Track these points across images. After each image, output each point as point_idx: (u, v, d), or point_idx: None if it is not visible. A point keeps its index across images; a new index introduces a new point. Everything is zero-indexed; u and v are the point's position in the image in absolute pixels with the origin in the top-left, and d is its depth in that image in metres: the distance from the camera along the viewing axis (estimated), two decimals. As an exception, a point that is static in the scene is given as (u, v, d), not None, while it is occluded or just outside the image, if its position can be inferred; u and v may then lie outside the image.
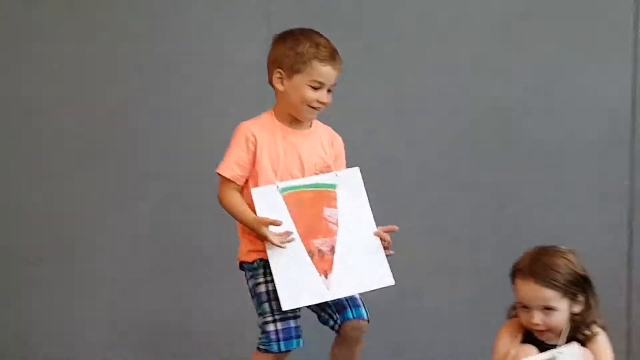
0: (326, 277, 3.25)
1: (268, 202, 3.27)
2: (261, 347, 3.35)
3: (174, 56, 4.49)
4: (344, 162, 3.49)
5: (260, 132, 3.38)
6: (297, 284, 3.23)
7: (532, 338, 3.19)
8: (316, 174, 3.37)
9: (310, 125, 3.46)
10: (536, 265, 3.13)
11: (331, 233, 3.31)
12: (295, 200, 3.31)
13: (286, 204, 3.29)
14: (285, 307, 3.20)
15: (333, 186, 3.35)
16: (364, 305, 3.37)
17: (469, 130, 4.41)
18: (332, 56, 3.38)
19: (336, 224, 3.32)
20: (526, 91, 4.39)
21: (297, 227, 3.28)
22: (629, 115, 4.31)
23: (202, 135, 4.46)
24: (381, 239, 3.31)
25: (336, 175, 3.38)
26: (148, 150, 4.48)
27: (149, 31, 4.48)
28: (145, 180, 4.47)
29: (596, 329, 3.18)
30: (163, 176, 4.47)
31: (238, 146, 3.36)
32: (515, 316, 3.26)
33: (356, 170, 3.39)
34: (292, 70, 3.38)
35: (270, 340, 3.32)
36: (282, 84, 3.40)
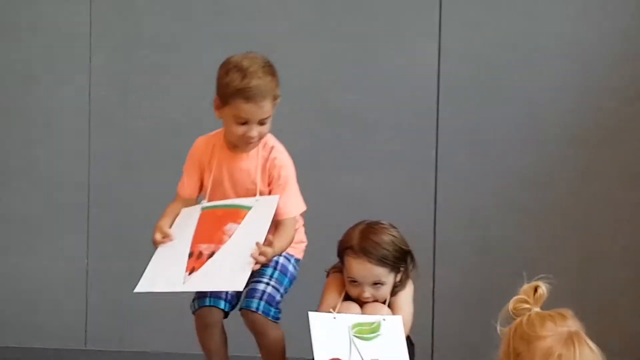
0: (189, 274, 3.19)
1: (187, 217, 3.33)
2: None
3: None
4: (280, 186, 3.36)
5: (204, 154, 3.38)
6: (160, 274, 3.23)
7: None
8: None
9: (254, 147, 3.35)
10: (367, 243, 3.30)
11: (220, 242, 3.24)
12: (209, 214, 3.31)
13: (199, 217, 3.31)
14: (137, 289, 3.22)
15: (248, 207, 3.29)
16: (265, 300, 3.32)
17: (282, 104, 4.51)
18: (257, 93, 3.21)
19: (229, 237, 3.25)
20: (340, 68, 4.52)
21: (195, 233, 3.29)
22: (435, 91, 4.45)
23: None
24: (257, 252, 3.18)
25: (256, 200, 3.31)
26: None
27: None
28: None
29: (405, 282, 3.39)
30: None
31: (187, 164, 3.44)
32: (335, 272, 3.43)
33: (275, 199, 3.32)
34: (222, 101, 3.29)
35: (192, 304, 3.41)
36: (219, 110, 3.30)
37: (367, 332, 3.22)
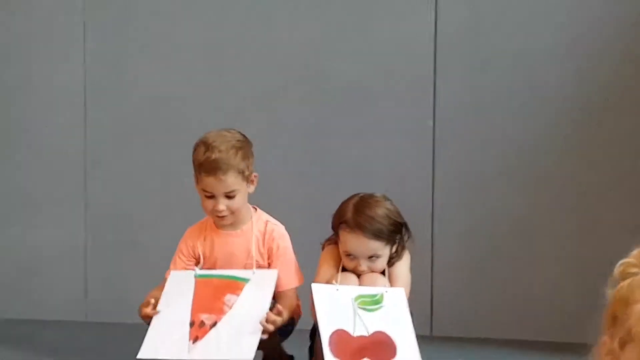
0: (193, 343, 3.20)
1: (179, 283, 3.33)
2: None
3: None
4: (280, 257, 3.41)
5: (197, 240, 3.44)
6: (163, 341, 3.21)
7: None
8: None
9: (248, 222, 3.41)
10: (361, 218, 3.31)
11: (221, 313, 3.25)
12: (204, 283, 3.33)
13: (195, 286, 3.32)
14: (140, 355, 3.20)
15: (246, 280, 3.31)
16: None
17: (280, 74, 4.54)
18: (216, 167, 3.27)
19: (230, 308, 3.27)
20: (336, 37, 4.48)
21: (193, 301, 3.28)
22: (432, 57, 4.40)
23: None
24: (266, 321, 3.21)
25: (253, 272, 3.34)
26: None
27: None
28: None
29: (402, 253, 3.41)
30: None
31: (179, 252, 3.45)
32: (330, 244, 3.45)
33: (274, 273, 3.34)
34: (195, 177, 3.36)
35: None
36: (196, 185, 3.37)
37: (370, 304, 3.25)
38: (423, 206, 4.43)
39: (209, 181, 3.31)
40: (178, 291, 3.34)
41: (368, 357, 3.17)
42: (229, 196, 3.33)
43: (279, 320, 3.24)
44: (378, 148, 4.50)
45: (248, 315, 3.23)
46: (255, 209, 3.49)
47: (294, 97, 4.55)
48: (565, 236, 4.35)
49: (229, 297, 3.29)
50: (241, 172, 3.33)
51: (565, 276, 4.32)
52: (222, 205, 3.32)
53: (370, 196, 3.41)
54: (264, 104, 4.56)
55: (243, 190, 3.36)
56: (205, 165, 3.30)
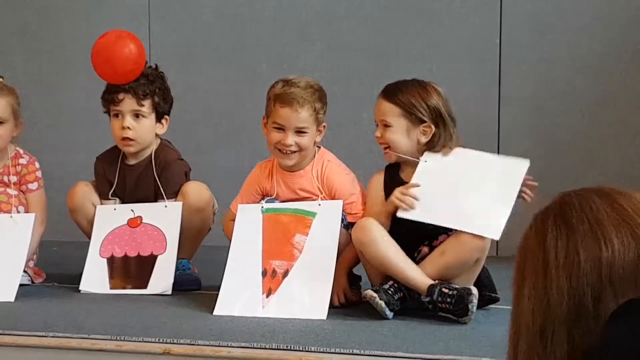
0: (267, 296, 3.20)
1: (248, 218, 3.31)
2: None
3: None
4: (343, 198, 3.33)
5: (265, 180, 3.41)
6: (237, 296, 3.22)
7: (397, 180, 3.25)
8: None
9: (308, 165, 3.37)
10: (390, 86, 3.18)
11: (292, 258, 3.24)
12: (273, 221, 3.30)
13: (263, 223, 3.29)
14: (217, 312, 3.18)
15: (312, 214, 3.27)
16: None
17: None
18: (294, 98, 3.25)
19: (300, 251, 3.24)
20: None
21: (263, 245, 3.27)
22: None
23: None
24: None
25: (319, 204, 3.29)
26: None
27: None
28: None
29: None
30: None
31: (247, 191, 3.44)
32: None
33: (339, 203, 3.29)
34: (266, 114, 3.35)
35: None
36: (265, 127, 3.34)
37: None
38: (490, 125, 4.43)
39: (283, 112, 3.27)
40: (247, 231, 3.32)
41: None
42: (300, 132, 3.28)
43: (352, 299, 3.28)
44: (445, 68, 4.45)
45: (319, 265, 3.20)
46: (319, 148, 3.43)
47: (361, 17, 4.53)
48: (630, 158, 4.31)
49: (298, 239, 3.26)
50: (315, 112, 3.29)
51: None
52: (291, 139, 3.28)
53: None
54: (326, 24, 4.54)
55: (312, 133, 3.31)
56: (283, 96, 3.26)
